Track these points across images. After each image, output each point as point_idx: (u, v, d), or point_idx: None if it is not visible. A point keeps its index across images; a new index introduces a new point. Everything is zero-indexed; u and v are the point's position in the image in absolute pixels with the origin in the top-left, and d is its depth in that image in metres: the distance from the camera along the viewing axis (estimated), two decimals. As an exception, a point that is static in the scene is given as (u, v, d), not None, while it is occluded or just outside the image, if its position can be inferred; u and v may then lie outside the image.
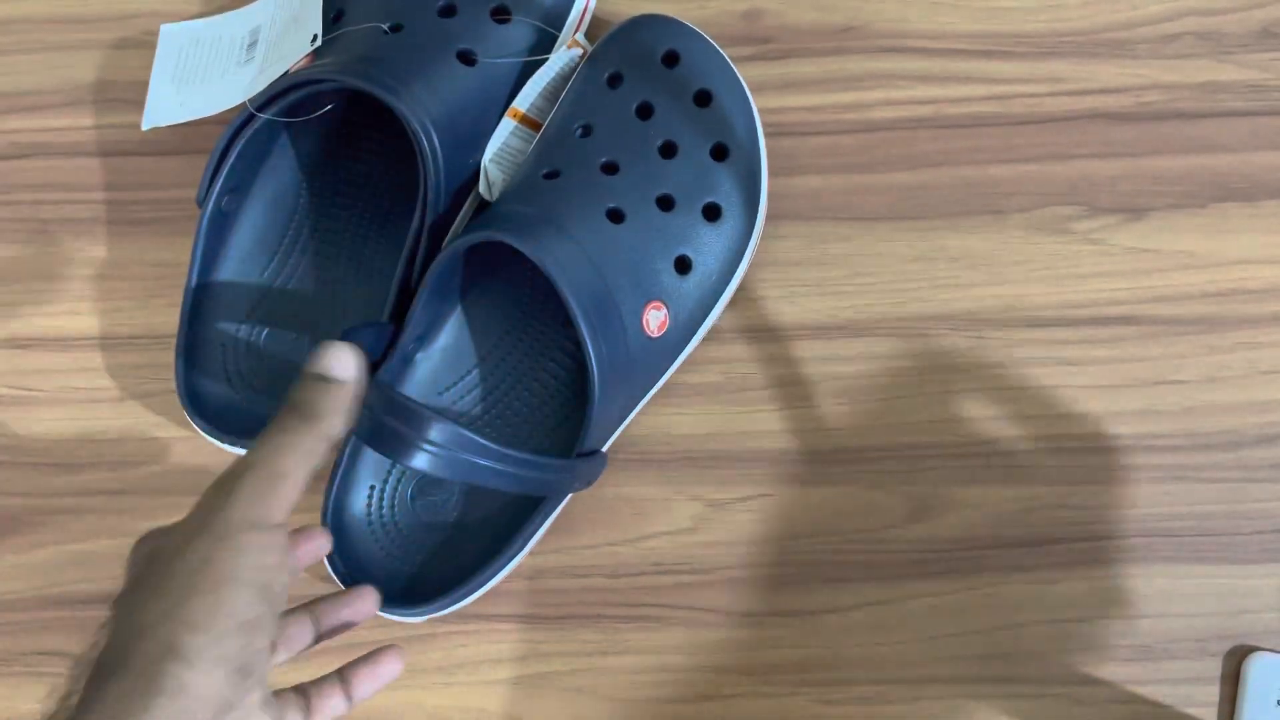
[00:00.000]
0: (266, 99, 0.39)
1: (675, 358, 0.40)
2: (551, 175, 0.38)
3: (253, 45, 0.42)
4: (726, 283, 0.40)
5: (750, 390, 0.42)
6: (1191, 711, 0.39)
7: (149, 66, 0.43)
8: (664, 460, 0.41)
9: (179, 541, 0.27)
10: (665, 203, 0.39)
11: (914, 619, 0.40)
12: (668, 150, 0.40)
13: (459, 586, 0.38)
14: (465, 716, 0.40)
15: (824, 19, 0.44)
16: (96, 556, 0.41)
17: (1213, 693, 0.39)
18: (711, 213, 0.39)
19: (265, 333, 0.41)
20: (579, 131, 0.40)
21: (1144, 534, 0.40)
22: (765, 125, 0.41)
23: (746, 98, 0.41)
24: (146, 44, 0.44)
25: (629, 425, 0.41)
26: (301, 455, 0.28)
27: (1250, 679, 0.38)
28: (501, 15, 0.41)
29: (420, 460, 0.34)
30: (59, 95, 0.45)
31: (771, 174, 0.41)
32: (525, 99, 0.41)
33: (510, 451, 0.35)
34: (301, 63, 0.40)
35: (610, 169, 0.39)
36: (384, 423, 0.34)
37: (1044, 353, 0.41)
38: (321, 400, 0.29)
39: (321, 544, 0.35)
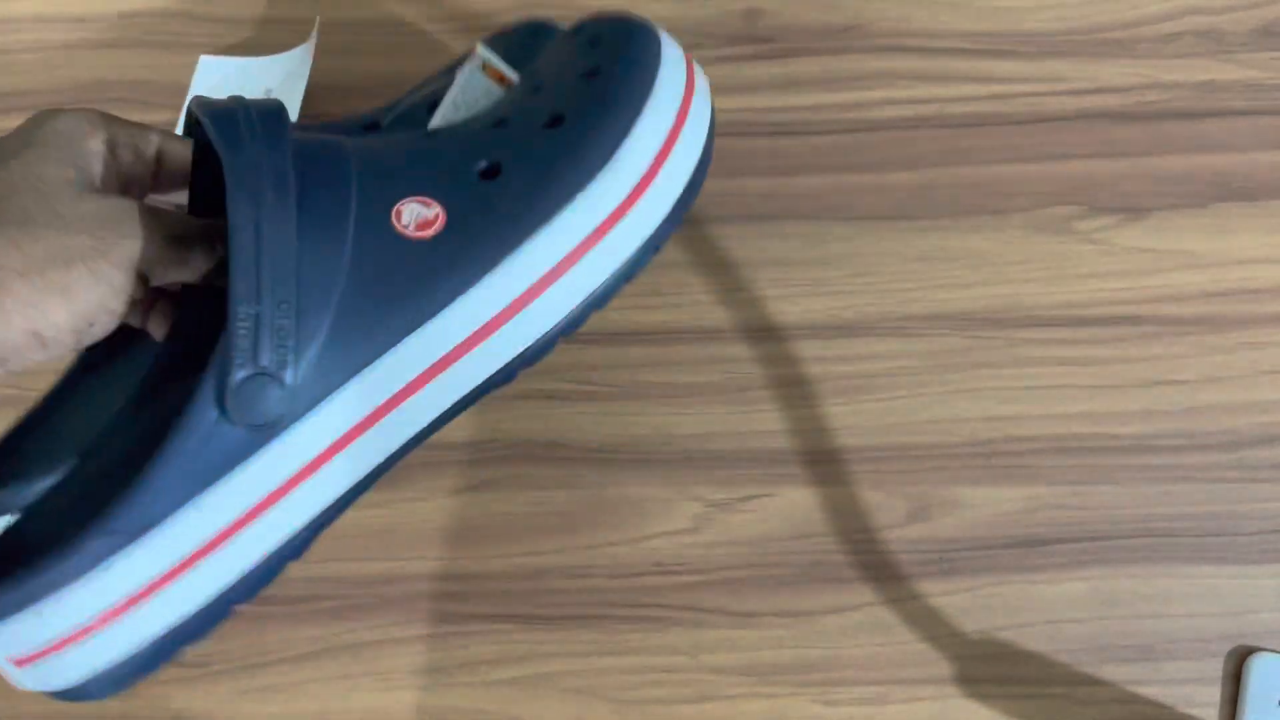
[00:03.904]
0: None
1: (472, 270, 0.31)
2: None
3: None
4: (566, 201, 0.31)
5: (750, 390, 0.41)
6: (1192, 712, 0.39)
7: (149, 66, 0.43)
8: (664, 460, 0.41)
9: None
10: (501, 122, 0.33)
11: (914, 619, 0.40)
12: (535, 88, 0.34)
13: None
14: (465, 717, 0.40)
15: (824, 18, 0.44)
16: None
17: (1214, 693, 0.39)
18: (554, 122, 0.32)
19: None
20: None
21: (1145, 534, 0.40)
22: (765, 124, 0.41)
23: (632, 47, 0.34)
24: (146, 44, 0.44)
25: (629, 425, 0.41)
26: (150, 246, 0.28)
27: (1252, 679, 0.38)
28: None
29: None
30: (59, 95, 0.45)
31: (772, 173, 0.41)
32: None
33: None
34: None
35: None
36: None
37: (1044, 353, 0.41)
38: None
39: None
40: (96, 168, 0.30)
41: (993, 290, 0.42)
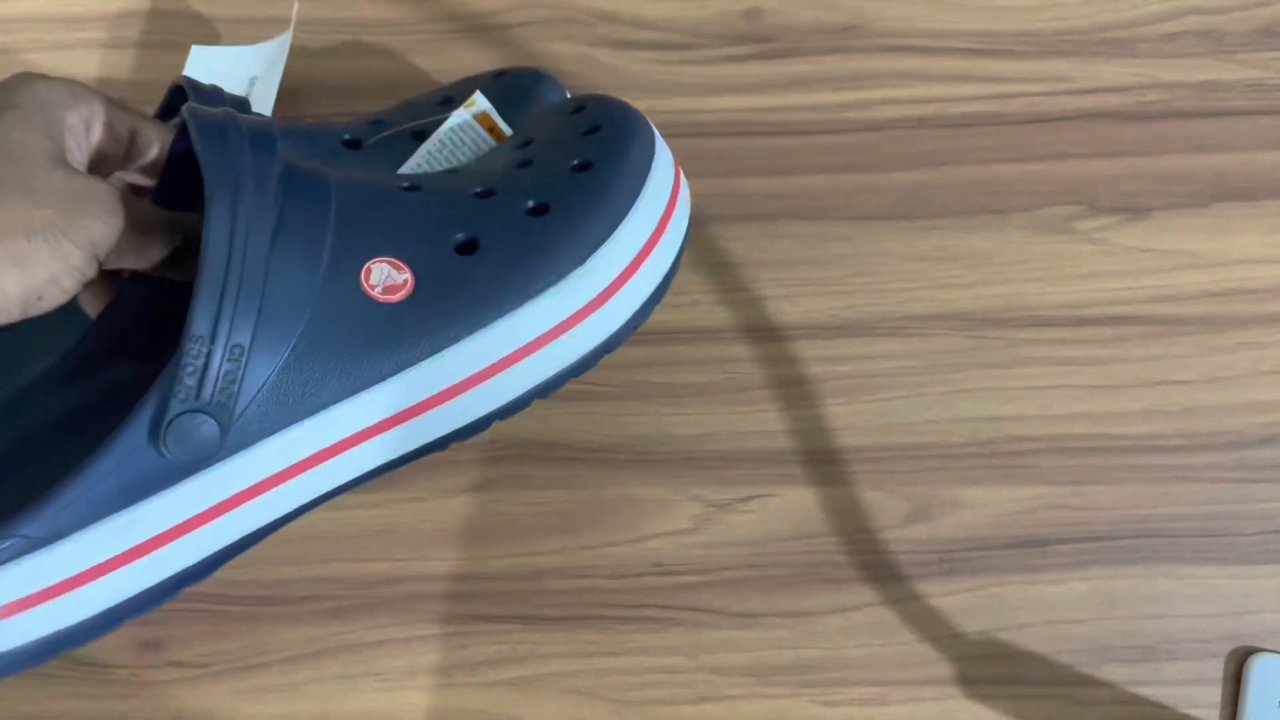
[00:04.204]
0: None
1: (430, 343, 0.30)
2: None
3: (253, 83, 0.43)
4: (531, 292, 0.31)
5: (750, 390, 0.41)
6: (1193, 713, 0.39)
7: (148, 66, 0.43)
8: (664, 460, 0.41)
9: None
10: (486, 194, 0.33)
11: (915, 620, 0.40)
12: (524, 162, 0.34)
13: None
14: (465, 717, 0.40)
15: (825, 18, 0.44)
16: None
17: (1214, 694, 0.39)
18: (539, 209, 0.32)
19: None
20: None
21: (1145, 534, 0.40)
22: (765, 124, 0.41)
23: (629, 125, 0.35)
24: (146, 44, 0.44)
25: (629, 425, 0.41)
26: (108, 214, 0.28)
27: (1252, 680, 0.38)
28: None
29: None
30: (59, 95, 0.45)
31: (772, 173, 0.41)
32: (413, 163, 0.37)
33: None
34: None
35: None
36: None
37: (1044, 353, 0.41)
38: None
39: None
40: (71, 141, 0.30)
41: (993, 290, 0.42)
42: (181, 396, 0.27)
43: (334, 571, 0.40)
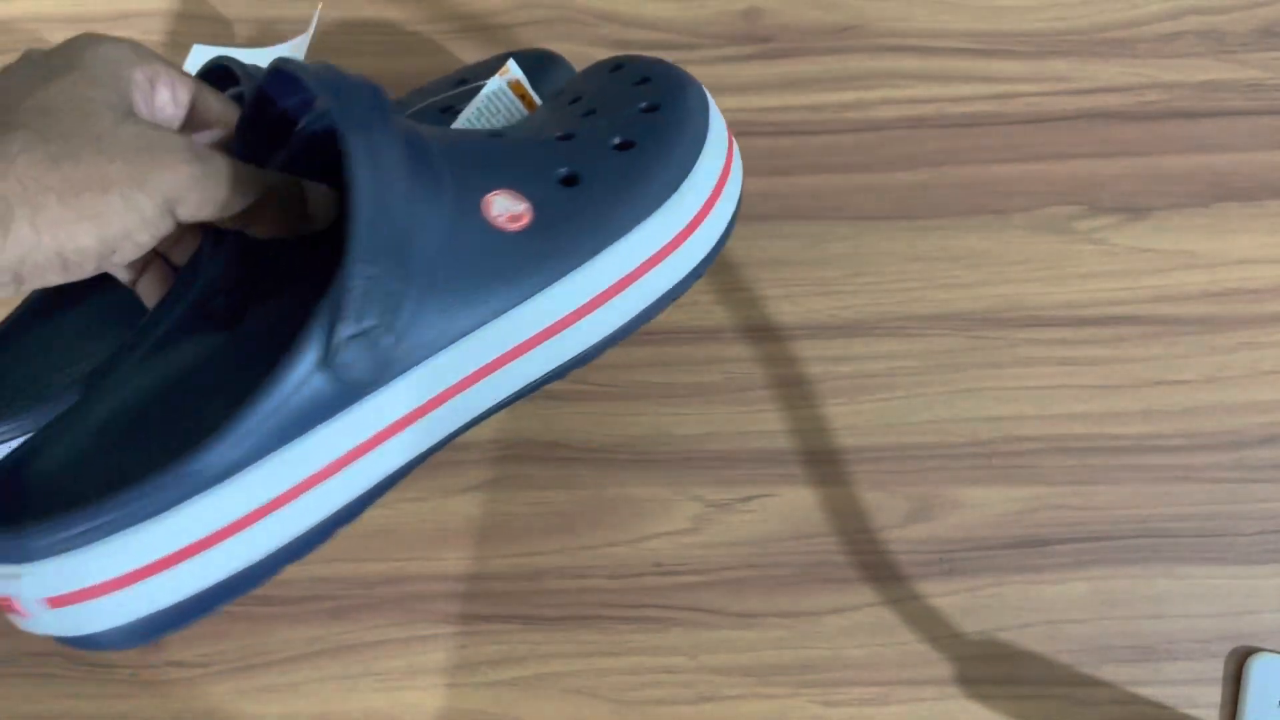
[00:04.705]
0: None
1: (553, 268, 0.32)
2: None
3: None
4: (628, 227, 0.33)
5: (750, 390, 0.41)
6: (1193, 713, 0.39)
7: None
8: (664, 460, 0.41)
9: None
10: (566, 137, 0.35)
11: (915, 620, 0.40)
12: (588, 112, 0.36)
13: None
14: (465, 717, 0.40)
15: (824, 18, 0.44)
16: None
17: (1214, 694, 0.39)
18: (624, 145, 0.35)
19: None
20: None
21: (1145, 534, 0.40)
22: (765, 124, 0.41)
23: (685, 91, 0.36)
24: (146, 44, 0.44)
25: (629, 425, 0.41)
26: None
27: (1252, 680, 0.38)
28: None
29: None
30: (59, 95, 0.45)
31: (772, 173, 0.41)
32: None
33: None
34: None
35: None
36: None
37: (1044, 353, 0.41)
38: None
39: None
40: (137, 96, 0.29)
41: (993, 290, 0.42)
42: (350, 318, 0.28)
43: (334, 571, 0.40)
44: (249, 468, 0.28)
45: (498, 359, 0.32)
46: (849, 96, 0.44)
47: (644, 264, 0.34)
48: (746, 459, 0.41)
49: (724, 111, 0.44)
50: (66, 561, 0.27)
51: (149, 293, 0.33)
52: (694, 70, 0.44)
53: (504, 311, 0.31)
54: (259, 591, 0.40)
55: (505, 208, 0.31)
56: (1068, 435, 0.41)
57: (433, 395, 0.31)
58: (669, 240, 0.34)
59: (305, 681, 0.39)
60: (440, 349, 0.30)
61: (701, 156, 0.35)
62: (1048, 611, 0.40)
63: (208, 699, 0.39)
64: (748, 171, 0.43)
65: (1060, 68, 0.43)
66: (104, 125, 0.27)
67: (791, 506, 0.41)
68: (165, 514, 0.27)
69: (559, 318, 0.33)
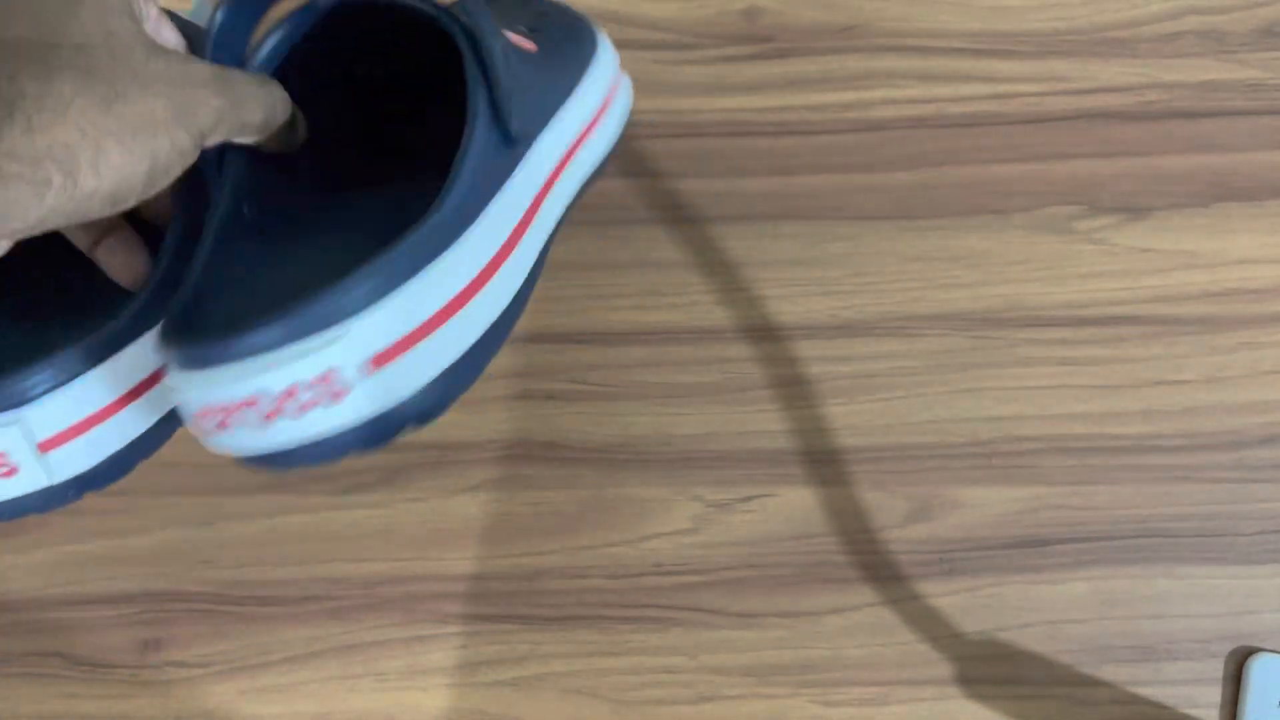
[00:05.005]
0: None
1: (567, 78, 0.37)
2: None
3: None
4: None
5: (750, 390, 0.41)
6: (1193, 713, 0.39)
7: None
8: (664, 460, 0.41)
9: None
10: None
11: (915, 620, 0.40)
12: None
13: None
14: (465, 717, 0.40)
15: (824, 18, 0.44)
16: (95, 557, 0.41)
17: (1215, 694, 0.39)
18: (533, 30, 0.39)
19: None
20: None
21: (1145, 534, 0.40)
22: (765, 124, 0.41)
23: None
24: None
25: (629, 425, 0.41)
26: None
27: (1252, 680, 0.38)
28: None
29: None
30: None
31: (772, 173, 0.41)
32: None
33: None
34: None
35: None
36: None
37: (1044, 353, 0.41)
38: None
39: None
40: (148, 25, 0.29)
41: (993, 290, 0.42)
42: (502, 85, 0.31)
43: (334, 571, 0.40)
44: (475, 221, 0.29)
45: (569, 149, 0.36)
46: (849, 96, 0.44)
47: (609, 92, 0.39)
48: (746, 459, 0.41)
49: (724, 111, 0.44)
50: (378, 312, 0.25)
51: (114, 258, 0.31)
52: (694, 70, 0.44)
53: (557, 110, 0.36)
54: (259, 592, 0.40)
55: (521, 39, 0.35)
56: (1068, 435, 0.41)
57: (551, 169, 0.36)
58: (614, 73, 0.40)
59: (305, 681, 0.39)
60: (539, 133, 0.34)
61: (595, 57, 0.39)
62: (1048, 611, 0.40)
63: (208, 699, 0.39)
64: (748, 171, 0.43)
65: (1060, 68, 0.43)
66: (138, 60, 0.26)
67: (791, 506, 0.41)
68: (432, 263, 0.27)
69: (586, 124, 0.37)
